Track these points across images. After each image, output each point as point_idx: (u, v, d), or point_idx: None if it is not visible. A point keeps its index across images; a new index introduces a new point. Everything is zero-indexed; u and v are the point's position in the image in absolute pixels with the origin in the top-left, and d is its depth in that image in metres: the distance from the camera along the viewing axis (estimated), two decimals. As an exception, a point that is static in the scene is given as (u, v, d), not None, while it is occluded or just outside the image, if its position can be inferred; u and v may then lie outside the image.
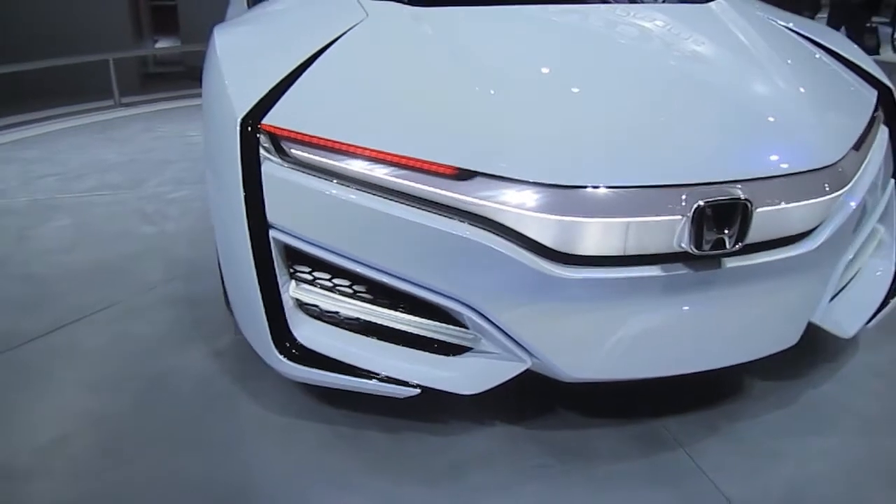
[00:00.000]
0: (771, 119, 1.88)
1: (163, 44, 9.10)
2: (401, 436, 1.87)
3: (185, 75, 7.71)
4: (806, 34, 2.39)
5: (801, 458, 1.80)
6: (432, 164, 1.62)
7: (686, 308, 1.70)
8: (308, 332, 1.76)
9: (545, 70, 1.96)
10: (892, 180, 2.15)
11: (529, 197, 1.59)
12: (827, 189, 1.77)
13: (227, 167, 1.74)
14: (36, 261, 3.04)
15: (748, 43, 2.18)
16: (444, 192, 1.61)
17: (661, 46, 2.20)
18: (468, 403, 1.80)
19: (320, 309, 1.78)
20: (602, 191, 1.60)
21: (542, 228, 1.59)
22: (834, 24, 7.78)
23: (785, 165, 1.74)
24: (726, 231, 1.62)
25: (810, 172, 1.76)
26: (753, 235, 1.66)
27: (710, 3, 2.45)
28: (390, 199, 1.64)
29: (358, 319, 1.77)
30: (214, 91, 1.93)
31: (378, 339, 1.77)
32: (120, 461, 1.80)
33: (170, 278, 2.83)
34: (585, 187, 1.60)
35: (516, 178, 1.59)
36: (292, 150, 1.70)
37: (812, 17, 5.86)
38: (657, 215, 1.61)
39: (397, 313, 1.76)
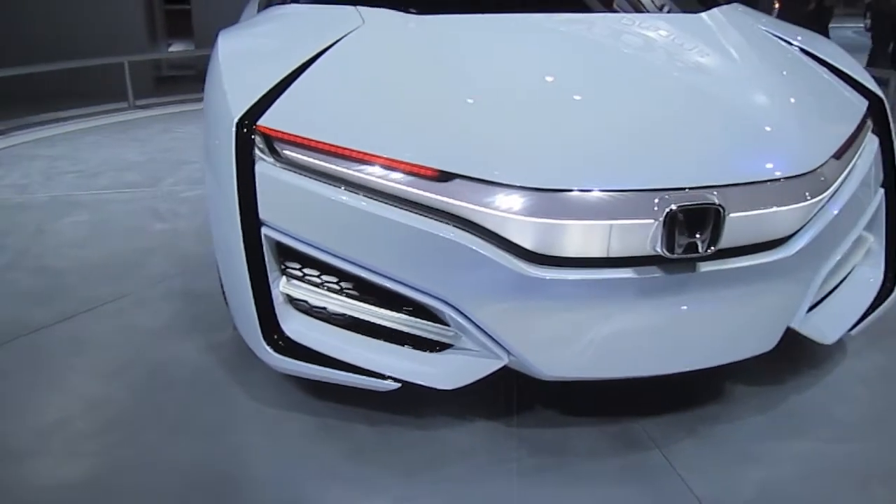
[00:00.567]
0: (750, 126, 1.91)
1: (176, 48, 9.21)
2: (385, 429, 1.94)
3: (197, 79, 7.86)
4: (798, 44, 2.41)
5: (774, 461, 1.83)
6: (414, 165, 1.68)
7: (661, 310, 1.74)
8: (296, 327, 1.83)
9: (529, 77, 2.02)
10: (882, 189, 2.17)
11: (505, 199, 1.64)
12: (805, 196, 1.80)
13: (223, 166, 1.82)
14: (51, 254, 3.17)
15: (734, 52, 2.21)
16: (425, 194, 1.67)
17: (645, 54, 2.24)
18: (452, 400, 1.86)
19: (309, 304, 1.85)
20: (578, 194, 1.65)
21: (519, 230, 1.64)
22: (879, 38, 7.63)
23: (761, 172, 1.77)
24: (698, 235, 1.65)
25: (787, 179, 1.78)
26: (728, 240, 1.70)
27: (702, 14, 2.48)
28: (376, 200, 1.71)
29: (344, 315, 1.84)
30: (214, 93, 2.01)
31: (363, 334, 1.84)
32: (116, 444, 1.89)
33: (177, 273, 2.94)
34: (562, 190, 1.65)
35: (493, 180, 1.65)
36: (284, 151, 1.78)
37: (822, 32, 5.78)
38: (632, 219, 1.65)
39: (382, 310, 1.82)
